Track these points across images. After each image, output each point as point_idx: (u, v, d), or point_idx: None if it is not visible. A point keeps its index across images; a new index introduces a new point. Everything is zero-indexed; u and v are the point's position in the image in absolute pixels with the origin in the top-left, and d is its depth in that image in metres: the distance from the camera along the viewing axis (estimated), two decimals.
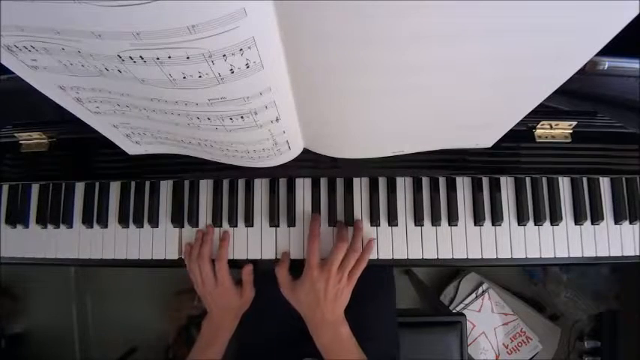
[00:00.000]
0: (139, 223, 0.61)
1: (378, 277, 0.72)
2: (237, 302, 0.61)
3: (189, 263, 0.59)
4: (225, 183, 0.61)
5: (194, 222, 0.60)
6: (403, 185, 0.60)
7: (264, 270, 0.61)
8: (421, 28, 0.28)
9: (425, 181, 0.59)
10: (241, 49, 0.29)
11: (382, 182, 0.60)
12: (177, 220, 0.60)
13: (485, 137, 0.51)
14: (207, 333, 0.60)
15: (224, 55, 0.29)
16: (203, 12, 0.25)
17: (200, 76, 0.31)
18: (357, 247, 0.56)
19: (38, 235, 0.62)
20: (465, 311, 1.20)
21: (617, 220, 0.58)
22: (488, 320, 1.21)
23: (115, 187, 0.62)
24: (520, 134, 0.56)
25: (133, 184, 0.62)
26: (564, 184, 0.59)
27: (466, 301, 1.22)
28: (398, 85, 0.36)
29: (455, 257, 0.58)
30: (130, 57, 0.29)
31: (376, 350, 0.60)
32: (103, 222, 0.61)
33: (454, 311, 1.18)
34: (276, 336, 0.68)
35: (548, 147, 0.56)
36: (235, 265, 0.60)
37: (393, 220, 0.59)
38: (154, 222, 0.60)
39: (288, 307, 0.59)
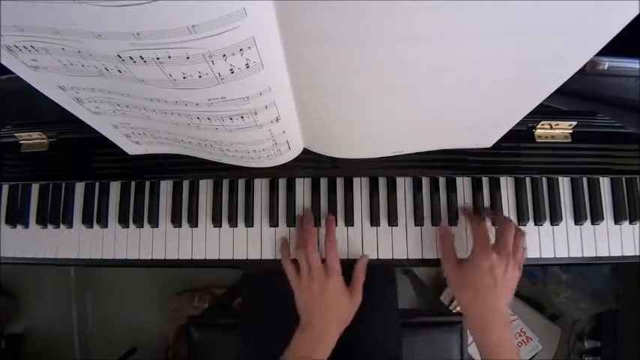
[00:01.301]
0: (139, 223, 0.61)
1: (379, 276, 0.72)
2: (348, 304, 0.52)
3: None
4: (225, 183, 0.61)
5: (194, 222, 0.60)
6: (403, 185, 0.60)
7: (268, 270, 0.60)
8: (421, 28, 0.28)
9: (425, 181, 0.59)
10: (241, 49, 0.29)
11: (382, 182, 0.60)
12: (177, 220, 0.60)
13: (485, 137, 0.51)
14: (306, 347, 0.50)
15: (224, 55, 0.29)
16: (203, 12, 0.25)
17: (200, 76, 0.31)
18: (521, 230, 0.52)
19: (38, 235, 0.62)
20: None
21: (617, 220, 0.58)
22: None
23: (115, 187, 0.62)
24: (520, 134, 0.56)
25: (133, 184, 0.62)
26: (564, 184, 0.59)
27: None
28: (398, 86, 0.36)
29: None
30: (130, 57, 0.29)
31: (379, 350, 0.60)
32: (103, 222, 0.61)
33: (454, 311, 1.18)
34: (280, 340, 0.67)
35: (548, 147, 0.56)
36: (233, 265, 0.60)
37: (393, 220, 0.58)
38: (154, 222, 0.60)
39: (291, 310, 0.58)
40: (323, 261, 0.53)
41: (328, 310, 0.51)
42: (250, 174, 0.56)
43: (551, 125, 0.55)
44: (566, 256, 0.58)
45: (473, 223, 0.55)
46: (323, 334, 0.50)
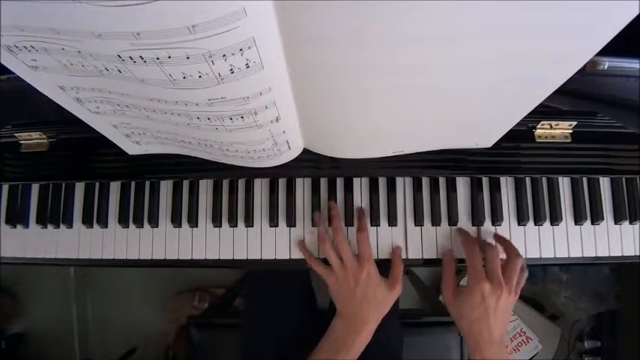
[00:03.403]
0: (139, 223, 0.61)
1: None
2: (385, 294, 0.52)
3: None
4: (225, 183, 0.61)
5: (194, 222, 0.60)
6: (403, 185, 0.60)
7: (267, 271, 0.60)
8: (420, 28, 0.28)
9: (425, 181, 0.59)
10: (241, 49, 0.29)
11: (382, 182, 0.60)
12: (177, 220, 0.60)
13: (486, 137, 0.51)
14: (343, 336, 0.51)
15: (224, 55, 0.29)
16: (203, 12, 0.25)
17: (200, 76, 0.31)
18: (519, 252, 0.52)
19: (38, 235, 0.62)
20: None
21: (617, 220, 0.58)
22: None
23: (115, 187, 0.62)
24: (520, 134, 0.56)
25: (133, 184, 0.62)
26: (564, 184, 0.59)
27: None
28: (398, 86, 0.36)
29: (455, 257, 0.58)
30: (130, 57, 0.29)
31: (379, 349, 0.59)
32: (103, 222, 0.61)
33: None
34: (281, 340, 0.67)
35: (548, 147, 0.56)
36: (233, 265, 0.60)
37: (393, 220, 0.58)
38: (154, 222, 0.60)
39: (291, 311, 0.58)
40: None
41: (364, 299, 0.51)
42: (250, 174, 0.56)
43: (551, 125, 0.55)
44: (566, 256, 0.58)
45: (467, 247, 0.54)
46: (360, 324, 0.51)
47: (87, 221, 0.61)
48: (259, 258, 0.59)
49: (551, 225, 0.58)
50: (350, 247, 0.54)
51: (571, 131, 0.56)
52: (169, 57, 0.29)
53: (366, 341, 0.52)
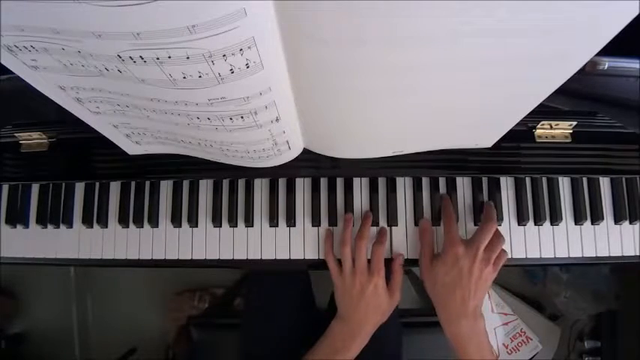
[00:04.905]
0: (139, 223, 0.61)
1: None
2: (386, 303, 0.53)
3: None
4: (225, 183, 0.61)
5: (194, 222, 0.60)
6: (403, 185, 0.60)
7: (267, 271, 0.60)
8: (420, 28, 0.28)
9: (425, 181, 0.59)
10: (241, 49, 0.29)
11: (382, 182, 0.60)
12: (177, 220, 0.60)
13: (486, 137, 0.51)
14: (340, 339, 0.52)
15: (224, 55, 0.29)
16: (203, 12, 0.25)
17: (200, 76, 0.31)
18: (502, 234, 0.52)
19: (38, 235, 0.62)
20: None
21: (617, 220, 0.58)
22: (488, 320, 1.18)
23: (115, 187, 0.62)
24: (520, 134, 0.56)
25: (133, 184, 0.62)
26: (564, 184, 0.59)
27: None
28: (397, 86, 0.36)
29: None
30: (130, 57, 0.29)
31: (379, 349, 0.59)
32: (103, 222, 0.61)
33: None
34: (280, 340, 0.67)
35: (548, 147, 0.56)
36: (233, 265, 0.60)
37: (393, 220, 0.58)
38: (154, 222, 0.60)
39: (291, 311, 0.58)
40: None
41: (367, 309, 0.52)
42: (250, 174, 0.56)
43: (551, 125, 0.55)
44: (566, 256, 0.58)
45: (446, 216, 0.54)
46: (358, 330, 0.52)
47: (87, 221, 0.61)
48: (259, 258, 0.59)
49: (551, 225, 0.58)
50: (366, 257, 0.54)
51: (571, 131, 0.56)
52: (169, 57, 0.29)
53: (363, 344, 0.53)
